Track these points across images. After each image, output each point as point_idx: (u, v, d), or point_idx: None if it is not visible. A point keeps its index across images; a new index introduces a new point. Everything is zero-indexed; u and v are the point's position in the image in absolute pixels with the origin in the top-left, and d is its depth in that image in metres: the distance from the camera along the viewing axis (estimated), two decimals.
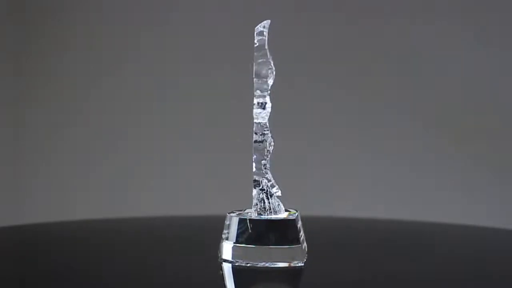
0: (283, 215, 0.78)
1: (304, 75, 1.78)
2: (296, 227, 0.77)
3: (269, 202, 0.78)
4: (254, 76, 0.77)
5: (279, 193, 0.78)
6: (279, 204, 0.78)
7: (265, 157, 0.78)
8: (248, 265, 0.75)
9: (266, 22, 0.77)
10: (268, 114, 0.78)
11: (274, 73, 0.77)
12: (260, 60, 0.77)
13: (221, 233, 0.79)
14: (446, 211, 1.71)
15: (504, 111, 1.73)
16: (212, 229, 0.87)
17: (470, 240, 1.02)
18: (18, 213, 1.88)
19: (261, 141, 0.78)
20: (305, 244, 0.77)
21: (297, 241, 0.76)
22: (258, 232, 0.75)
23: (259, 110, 0.77)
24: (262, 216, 0.77)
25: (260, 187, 0.78)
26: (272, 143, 0.78)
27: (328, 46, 1.80)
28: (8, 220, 1.73)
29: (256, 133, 0.78)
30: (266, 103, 0.77)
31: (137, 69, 1.87)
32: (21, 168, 1.91)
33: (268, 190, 0.78)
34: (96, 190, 1.87)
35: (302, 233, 0.77)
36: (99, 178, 1.87)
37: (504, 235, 1.08)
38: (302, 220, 0.78)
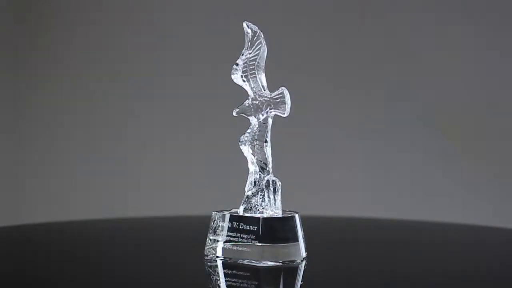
0: (268, 214, 0.78)
1: (304, 75, 1.79)
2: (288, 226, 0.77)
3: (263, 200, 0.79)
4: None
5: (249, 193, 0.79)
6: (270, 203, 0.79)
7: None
8: (233, 262, 0.76)
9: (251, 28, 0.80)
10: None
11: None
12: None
13: (207, 231, 0.79)
14: (446, 211, 1.71)
15: (504, 111, 1.73)
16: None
17: (470, 240, 1.02)
18: (18, 213, 1.88)
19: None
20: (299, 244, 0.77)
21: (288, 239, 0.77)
22: (245, 230, 0.76)
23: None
24: (247, 214, 0.78)
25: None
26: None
27: (328, 46, 1.80)
28: (8, 220, 1.73)
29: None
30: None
31: (137, 69, 1.88)
32: (21, 168, 1.91)
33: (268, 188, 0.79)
34: (96, 190, 1.87)
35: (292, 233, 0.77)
36: (99, 178, 1.87)
37: (504, 235, 1.08)
38: (302, 220, 0.79)
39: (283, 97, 0.79)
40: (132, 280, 0.72)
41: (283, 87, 0.79)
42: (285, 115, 0.79)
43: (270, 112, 0.79)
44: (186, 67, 1.85)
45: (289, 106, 0.79)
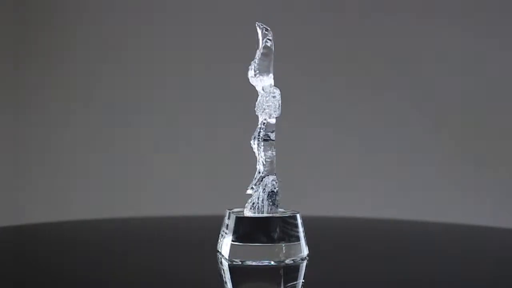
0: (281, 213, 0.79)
1: (304, 75, 1.79)
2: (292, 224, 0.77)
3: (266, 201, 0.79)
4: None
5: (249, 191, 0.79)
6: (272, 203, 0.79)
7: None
8: (247, 262, 0.76)
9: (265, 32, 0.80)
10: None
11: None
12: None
13: (218, 232, 0.80)
14: (446, 211, 1.71)
15: (504, 111, 1.73)
16: (210, 228, 0.87)
17: (470, 240, 1.02)
18: (18, 213, 1.88)
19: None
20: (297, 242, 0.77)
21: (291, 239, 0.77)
22: (256, 230, 0.76)
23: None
24: (261, 215, 0.78)
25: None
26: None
27: (328, 46, 1.80)
28: (8, 220, 1.73)
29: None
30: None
31: (137, 69, 1.88)
32: (21, 168, 1.91)
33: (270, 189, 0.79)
34: (96, 190, 1.87)
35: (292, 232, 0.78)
36: (99, 178, 1.87)
37: (504, 235, 1.08)
38: (302, 220, 0.79)
39: (273, 96, 0.79)
40: (132, 279, 0.72)
41: (274, 87, 0.80)
42: (273, 115, 0.79)
43: (265, 111, 0.79)
44: (187, 67, 1.85)
45: (278, 105, 0.79)
